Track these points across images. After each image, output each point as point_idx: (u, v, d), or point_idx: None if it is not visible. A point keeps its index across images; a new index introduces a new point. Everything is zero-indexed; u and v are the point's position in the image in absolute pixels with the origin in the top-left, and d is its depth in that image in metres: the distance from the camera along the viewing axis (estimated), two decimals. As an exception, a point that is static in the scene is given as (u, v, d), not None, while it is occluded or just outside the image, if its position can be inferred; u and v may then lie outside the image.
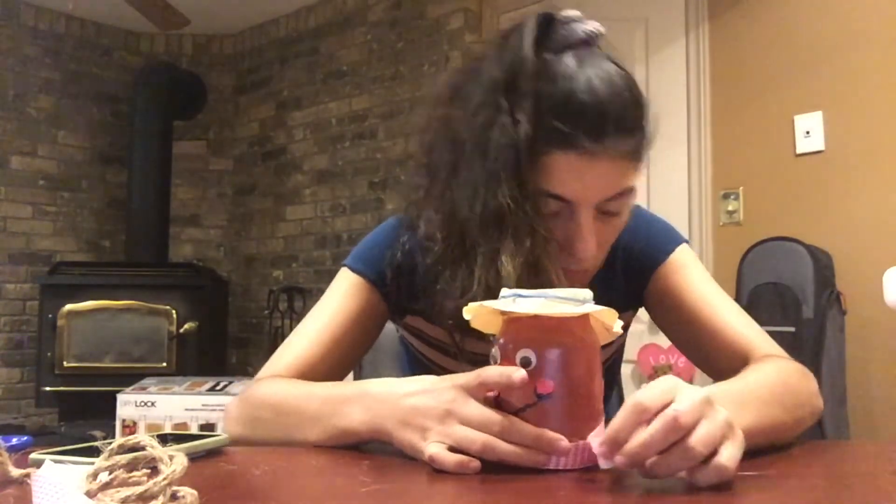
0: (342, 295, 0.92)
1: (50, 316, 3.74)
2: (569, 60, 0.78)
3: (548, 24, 0.80)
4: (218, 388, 2.99)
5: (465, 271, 0.78)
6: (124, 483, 0.45)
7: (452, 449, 0.60)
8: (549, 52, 0.79)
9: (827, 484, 0.58)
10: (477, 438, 0.60)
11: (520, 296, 0.61)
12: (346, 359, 0.92)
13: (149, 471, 0.46)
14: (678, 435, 0.52)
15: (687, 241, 0.97)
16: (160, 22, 3.31)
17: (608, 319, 0.63)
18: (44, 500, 0.41)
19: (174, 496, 0.44)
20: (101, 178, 4.34)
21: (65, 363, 3.72)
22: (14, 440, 0.74)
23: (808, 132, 2.49)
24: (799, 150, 2.51)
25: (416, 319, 0.95)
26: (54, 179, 4.15)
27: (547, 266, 0.76)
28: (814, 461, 0.70)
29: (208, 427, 2.82)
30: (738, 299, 2.45)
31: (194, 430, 2.79)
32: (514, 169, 0.75)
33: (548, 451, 0.59)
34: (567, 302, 0.60)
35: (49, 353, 3.72)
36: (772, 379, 0.75)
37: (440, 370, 0.95)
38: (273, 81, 4.36)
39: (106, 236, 4.34)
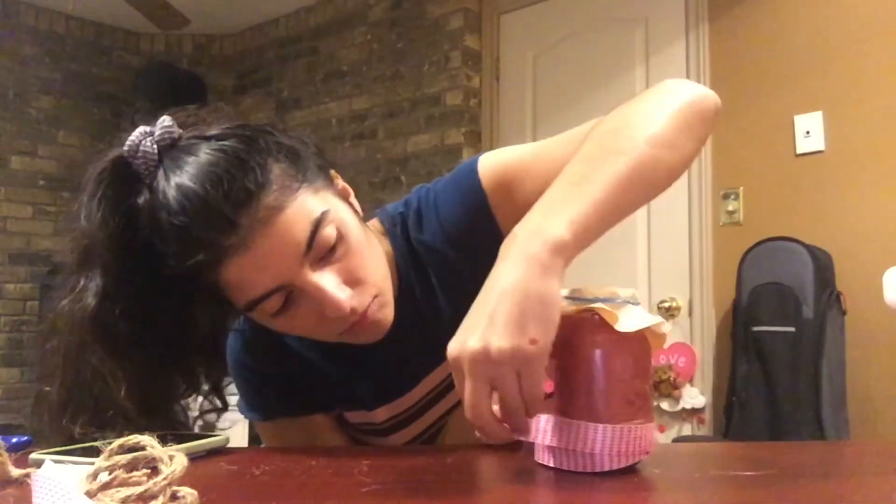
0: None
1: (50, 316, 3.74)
2: (154, 191, 0.68)
3: (123, 169, 0.71)
4: (218, 388, 2.99)
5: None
6: (124, 483, 0.45)
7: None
8: (138, 193, 0.70)
9: (827, 484, 0.58)
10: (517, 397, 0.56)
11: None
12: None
13: (149, 471, 0.46)
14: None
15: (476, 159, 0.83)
16: (160, 22, 3.31)
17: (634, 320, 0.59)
18: (44, 500, 0.41)
19: (174, 496, 0.44)
20: (102, 178, 4.34)
21: (65, 363, 3.71)
22: (14, 440, 0.74)
23: (808, 132, 2.49)
24: (799, 150, 2.51)
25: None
26: (54, 179, 4.15)
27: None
28: (814, 461, 0.70)
29: (208, 427, 2.82)
30: (738, 299, 2.46)
31: (194, 429, 2.79)
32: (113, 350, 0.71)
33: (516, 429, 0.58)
34: (594, 302, 0.59)
35: (49, 353, 3.72)
36: (586, 149, 0.67)
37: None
38: (273, 81, 4.36)
39: (106, 236, 4.34)
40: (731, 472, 0.62)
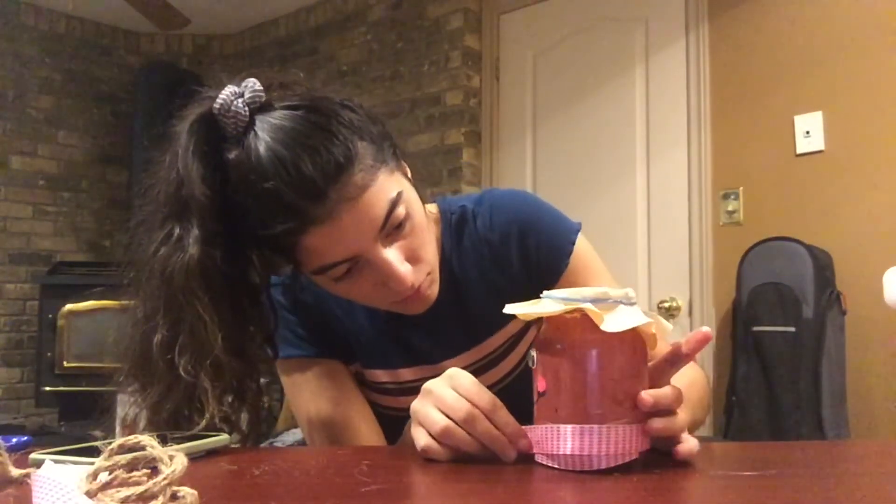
0: (306, 382, 0.92)
1: (50, 316, 3.74)
2: (245, 152, 0.72)
3: (209, 124, 0.74)
4: (218, 388, 2.99)
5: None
6: (124, 483, 0.45)
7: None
8: (223, 151, 0.74)
9: (827, 484, 0.58)
10: (464, 406, 0.62)
11: (549, 297, 0.61)
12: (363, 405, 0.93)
13: (149, 471, 0.46)
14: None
15: (578, 225, 0.94)
16: (160, 22, 3.31)
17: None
18: (44, 500, 0.41)
19: (174, 496, 0.44)
20: (102, 178, 4.34)
21: (65, 363, 3.71)
22: (14, 440, 0.75)
23: (808, 132, 2.49)
24: (799, 150, 2.52)
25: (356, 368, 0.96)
26: (54, 179, 4.15)
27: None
28: (814, 461, 0.70)
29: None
30: (738, 299, 2.46)
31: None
32: (209, 299, 0.74)
33: (512, 440, 0.62)
34: (582, 302, 0.59)
35: (49, 353, 3.72)
36: (698, 384, 0.85)
37: (387, 411, 0.95)
38: (273, 81, 4.36)
39: (106, 236, 4.34)
40: (732, 472, 0.62)
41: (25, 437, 0.77)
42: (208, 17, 4.21)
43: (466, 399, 0.63)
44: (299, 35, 4.23)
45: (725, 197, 2.69)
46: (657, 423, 0.59)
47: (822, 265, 2.34)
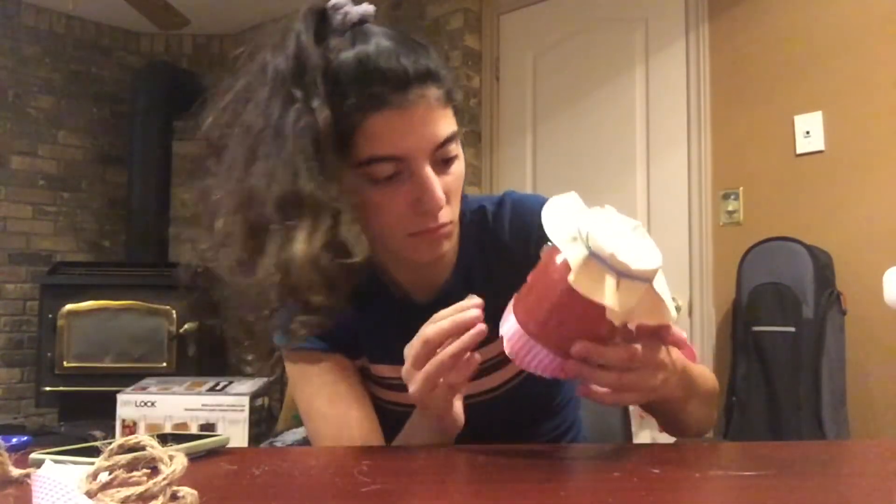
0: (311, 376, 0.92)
1: (50, 316, 3.74)
2: (350, 38, 0.81)
3: (321, 15, 0.82)
4: (218, 388, 2.99)
5: (260, 257, 0.78)
6: (124, 483, 0.45)
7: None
8: (328, 38, 0.81)
9: (827, 484, 0.58)
10: (421, 334, 0.72)
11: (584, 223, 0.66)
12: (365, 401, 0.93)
13: (149, 471, 0.46)
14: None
15: None
16: (160, 22, 3.31)
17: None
18: (44, 500, 0.42)
19: (174, 496, 0.44)
20: (101, 178, 4.34)
21: (65, 363, 3.71)
22: (14, 440, 0.75)
23: (808, 132, 2.50)
24: (799, 150, 2.52)
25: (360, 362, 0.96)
26: (54, 179, 4.15)
27: (353, 247, 0.78)
28: (814, 461, 0.70)
29: (208, 427, 2.82)
30: (738, 299, 2.46)
31: (194, 430, 2.79)
32: (313, 153, 0.76)
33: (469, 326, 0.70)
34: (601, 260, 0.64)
35: (49, 354, 3.72)
36: (707, 376, 0.92)
37: (390, 406, 0.95)
38: (273, 81, 4.36)
39: (106, 236, 4.34)
40: (732, 472, 0.62)
41: (25, 438, 0.77)
42: (208, 17, 4.21)
43: (421, 334, 0.72)
44: (299, 35, 4.23)
45: (725, 197, 2.69)
46: (572, 364, 0.67)
47: (822, 265, 2.35)
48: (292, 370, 0.94)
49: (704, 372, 0.91)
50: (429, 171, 0.79)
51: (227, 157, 0.85)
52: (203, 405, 2.88)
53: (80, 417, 3.56)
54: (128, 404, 2.93)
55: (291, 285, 0.76)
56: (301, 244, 0.75)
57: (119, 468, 0.46)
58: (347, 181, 0.80)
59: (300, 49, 0.79)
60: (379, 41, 0.80)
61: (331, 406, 0.90)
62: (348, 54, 0.78)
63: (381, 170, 0.78)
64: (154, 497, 0.43)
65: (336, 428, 0.89)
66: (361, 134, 0.77)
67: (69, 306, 3.74)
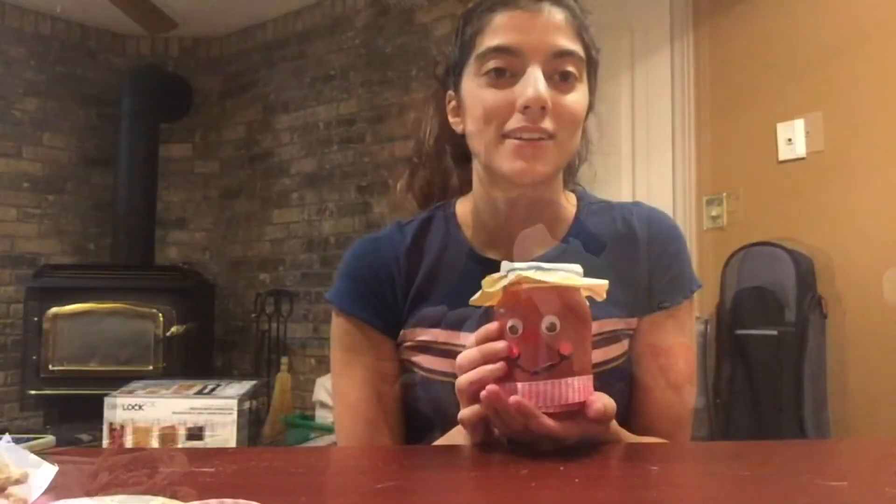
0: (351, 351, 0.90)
1: (35, 319, 3.71)
2: None
3: None
4: (206, 391, 2.98)
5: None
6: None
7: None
8: None
9: (824, 483, 0.59)
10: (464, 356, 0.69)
11: (513, 269, 0.66)
12: (395, 404, 0.90)
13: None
14: None
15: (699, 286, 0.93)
16: (147, 25, 3.30)
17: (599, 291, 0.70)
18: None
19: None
20: (87, 181, 4.32)
21: (50, 366, 3.68)
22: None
23: (789, 139, 2.53)
24: (781, 157, 2.54)
25: (416, 332, 0.89)
26: (39, 182, 4.12)
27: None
28: (810, 460, 0.71)
29: (197, 430, 2.81)
30: (721, 303, 2.48)
31: (182, 433, 2.78)
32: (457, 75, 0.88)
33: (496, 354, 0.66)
34: (569, 273, 0.67)
35: (34, 357, 3.69)
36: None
37: (432, 374, 0.88)
38: (260, 85, 4.36)
39: (91, 239, 4.32)
40: (729, 471, 0.63)
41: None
42: (195, 20, 4.20)
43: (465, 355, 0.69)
44: (286, 39, 4.23)
45: (710, 202, 2.72)
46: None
47: (804, 270, 2.37)
48: (337, 340, 0.91)
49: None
50: (538, 71, 0.80)
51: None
52: (191, 408, 2.86)
53: (66, 421, 3.54)
54: (115, 408, 2.91)
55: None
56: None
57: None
58: (468, 87, 0.86)
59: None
60: None
61: (368, 407, 0.88)
62: None
63: (496, 61, 0.82)
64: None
65: (368, 435, 0.87)
66: (486, 32, 0.83)
67: (54, 309, 3.71)
